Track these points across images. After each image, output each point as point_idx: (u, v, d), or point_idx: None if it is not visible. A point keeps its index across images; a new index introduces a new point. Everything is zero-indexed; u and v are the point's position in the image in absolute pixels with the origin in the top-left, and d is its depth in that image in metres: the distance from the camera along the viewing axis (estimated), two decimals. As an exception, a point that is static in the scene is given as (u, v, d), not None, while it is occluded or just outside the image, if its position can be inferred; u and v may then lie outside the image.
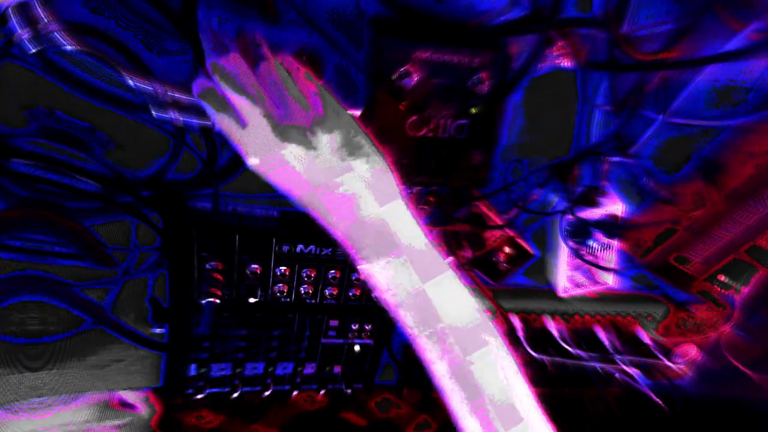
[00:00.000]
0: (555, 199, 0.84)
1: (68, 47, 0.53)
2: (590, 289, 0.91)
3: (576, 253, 0.85)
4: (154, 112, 0.58)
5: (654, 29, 0.70)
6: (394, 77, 0.65)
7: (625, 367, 0.96)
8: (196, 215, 0.70)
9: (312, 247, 0.75)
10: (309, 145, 0.48)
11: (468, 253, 0.83)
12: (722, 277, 0.92)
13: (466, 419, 0.49)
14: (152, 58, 0.59)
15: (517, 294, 0.93)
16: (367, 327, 0.86)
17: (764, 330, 0.94)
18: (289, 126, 0.47)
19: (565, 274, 0.89)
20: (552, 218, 0.87)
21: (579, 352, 0.94)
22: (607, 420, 1.07)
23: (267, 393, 0.85)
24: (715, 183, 0.84)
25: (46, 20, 0.50)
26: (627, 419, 1.04)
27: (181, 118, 0.58)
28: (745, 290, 0.91)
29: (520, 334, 0.91)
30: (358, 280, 0.80)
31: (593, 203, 0.83)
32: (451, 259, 0.83)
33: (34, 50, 0.52)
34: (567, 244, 0.85)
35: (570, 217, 0.82)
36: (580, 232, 0.85)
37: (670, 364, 1.00)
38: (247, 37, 0.51)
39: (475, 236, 0.82)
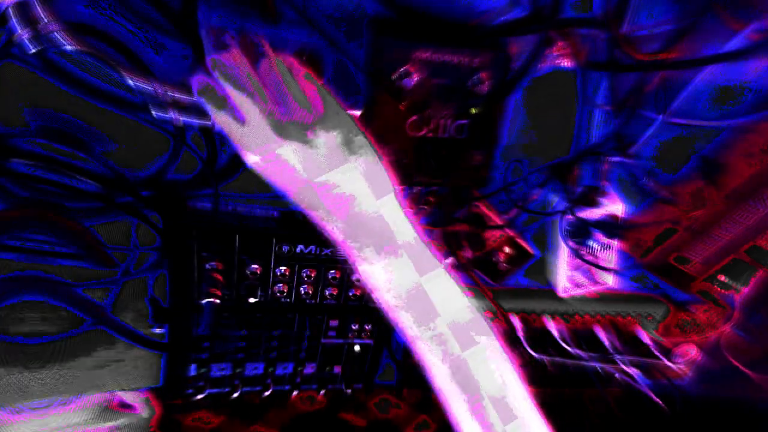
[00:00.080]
0: (555, 199, 0.84)
1: (68, 47, 0.52)
2: (590, 289, 0.91)
3: (576, 253, 0.85)
4: (154, 112, 0.58)
5: (654, 29, 0.70)
6: (394, 77, 0.65)
7: (625, 367, 0.96)
8: (196, 215, 0.70)
9: (312, 247, 0.75)
10: (308, 143, 0.48)
11: (468, 253, 0.83)
12: (722, 277, 0.92)
13: (463, 416, 0.49)
14: (152, 58, 0.59)
15: (517, 294, 0.93)
16: (367, 327, 0.86)
17: (764, 330, 0.94)
18: (290, 123, 0.48)
19: (565, 274, 0.89)
20: (552, 218, 0.87)
21: (579, 352, 0.94)
22: (607, 420, 1.07)
23: (267, 393, 0.85)
24: (715, 183, 0.84)
25: (46, 20, 0.50)
26: (627, 419, 1.04)
27: (181, 118, 0.58)
28: (745, 290, 0.91)
29: (520, 334, 0.91)
30: (358, 280, 0.80)
31: (593, 203, 0.83)
32: (451, 259, 0.83)
33: (34, 50, 0.52)
34: (567, 244, 0.85)
35: (570, 217, 0.82)
36: (580, 232, 0.85)
37: (670, 364, 1.00)
38: (248, 36, 0.51)
39: (475, 236, 0.82)
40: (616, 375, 0.98)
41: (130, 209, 0.68)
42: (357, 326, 0.85)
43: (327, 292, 0.80)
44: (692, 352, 1.04)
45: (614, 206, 0.85)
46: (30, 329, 0.73)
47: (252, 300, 0.76)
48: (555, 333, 0.94)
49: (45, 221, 0.65)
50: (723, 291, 0.93)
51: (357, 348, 0.87)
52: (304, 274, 0.77)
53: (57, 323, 0.74)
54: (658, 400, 0.98)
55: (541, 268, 0.91)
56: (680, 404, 0.99)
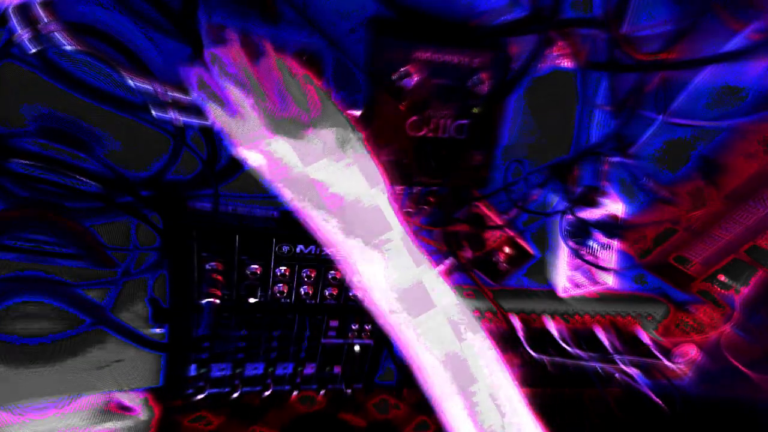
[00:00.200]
0: (555, 200, 0.84)
1: (68, 47, 0.52)
2: (590, 289, 0.91)
3: (576, 254, 0.85)
4: (154, 112, 0.58)
5: (654, 30, 0.70)
6: (394, 77, 0.65)
7: (625, 367, 0.96)
8: (196, 215, 0.70)
9: (312, 247, 0.75)
10: (302, 140, 0.48)
11: (468, 253, 0.83)
12: (722, 277, 0.92)
13: (456, 413, 0.49)
14: (152, 58, 0.59)
15: (517, 294, 0.93)
16: (367, 327, 0.86)
17: (764, 330, 0.94)
18: (285, 119, 0.48)
19: (565, 275, 0.89)
20: (552, 218, 0.87)
21: (579, 352, 0.94)
22: (607, 420, 1.07)
23: (267, 393, 0.85)
24: (715, 183, 0.84)
25: (46, 20, 0.50)
26: (627, 419, 1.04)
27: (181, 118, 0.58)
28: (744, 290, 0.91)
29: (520, 334, 0.91)
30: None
31: (593, 203, 0.83)
32: (451, 259, 0.83)
33: (34, 50, 0.52)
34: (567, 245, 0.85)
35: (570, 217, 0.82)
36: (580, 233, 0.85)
37: (670, 364, 1.00)
38: (249, 34, 0.51)
39: (475, 236, 0.82)
40: (616, 375, 0.98)
41: (130, 209, 0.68)
42: (357, 326, 0.85)
43: (327, 293, 0.80)
44: (692, 352, 1.04)
45: (614, 206, 0.85)
46: (30, 329, 0.73)
47: (252, 300, 0.76)
48: (555, 333, 0.94)
49: (45, 221, 0.65)
50: (723, 291, 0.93)
51: (357, 348, 0.87)
52: (304, 275, 0.77)
53: (57, 323, 0.74)
54: (658, 400, 0.98)
55: (541, 268, 0.91)
56: (680, 404, 0.99)
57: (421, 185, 0.75)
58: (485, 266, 0.86)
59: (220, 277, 0.73)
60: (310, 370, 0.87)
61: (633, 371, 0.97)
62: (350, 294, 0.81)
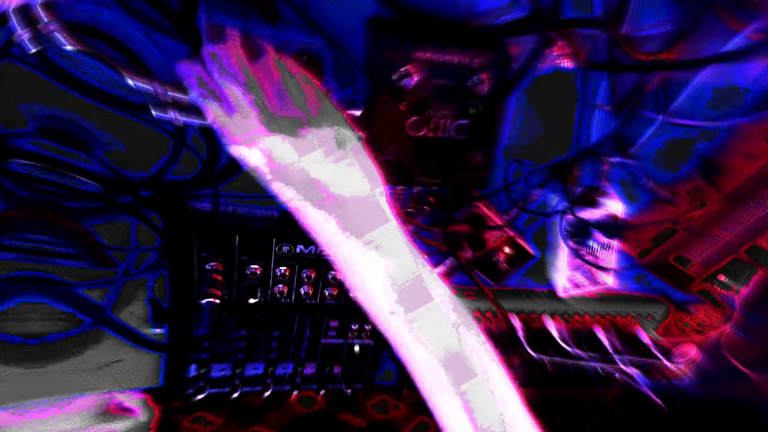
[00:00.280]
0: (555, 200, 0.84)
1: (68, 47, 0.52)
2: (590, 289, 0.91)
3: (576, 254, 0.85)
4: (154, 112, 0.58)
5: (654, 30, 0.70)
6: (394, 77, 0.65)
7: (625, 367, 0.96)
8: (196, 215, 0.70)
9: (312, 247, 0.75)
10: (301, 140, 0.48)
11: (468, 253, 0.83)
12: (722, 277, 0.92)
13: (452, 412, 0.49)
14: (152, 58, 0.59)
15: (517, 294, 0.93)
16: (367, 327, 0.86)
17: (764, 330, 0.94)
18: (282, 118, 0.48)
19: (565, 275, 0.89)
20: (552, 218, 0.87)
21: (579, 352, 0.94)
22: (607, 420, 1.07)
23: (267, 393, 0.85)
24: (714, 183, 0.84)
25: (46, 20, 0.50)
26: (627, 419, 1.04)
27: (181, 118, 0.58)
28: (744, 290, 0.91)
29: (520, 334, 0.91)
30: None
31: (593, 203, 0.83)
32: (451, 259, 0.83)
33: (34, 50, 0.52)
34: (567, 245, 0.85)
35: (570, 217, 0.82)
36: (580, 233, 0.85)
37: (670, 364, 1.00)
38: (248, 33, 0.51)
39: (475, 236, 0.82)
40: (616, 375, 0.98)
41: (130, 209, 0.68)
42: (357, 326, 0.85)
43: (327, 293, 0.80)
44: (692, 352, 1.04)
45: (614, 206, 0.85)
46: (30, 329, 0.73)
47: (252, 300, 0.76)
48: (555, 333, 0.94)
49: (45, 221, 0.65)
50: (723, 291, 0.93)
51: (357, 348, 0.87)
52: (304, 275, 0.77)
53: (57, 323, 0.74)
54: (658, 400, 0.98)
55: (541, 268, 0.91)
56: (680, 404, 0.99)
57: (421, 185, 0.75)
58: (485, 266, 0.86)
59: (220, 277, 0.73)
60: (310, 370, 0.87)
61: (633, 371, 0.97)
62: (350, 294, 0.81)
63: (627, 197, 0.87)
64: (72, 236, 0.68)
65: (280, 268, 0.75)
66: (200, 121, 0.59)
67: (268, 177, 0.49)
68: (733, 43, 0.66)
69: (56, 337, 0.74)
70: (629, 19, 0.68)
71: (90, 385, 0.80)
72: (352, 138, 0.51)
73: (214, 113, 0.50)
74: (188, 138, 0.67)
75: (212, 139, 0.67)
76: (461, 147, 0.72)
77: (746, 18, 0.64)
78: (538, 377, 0.97)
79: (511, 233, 0.84)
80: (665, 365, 0.99)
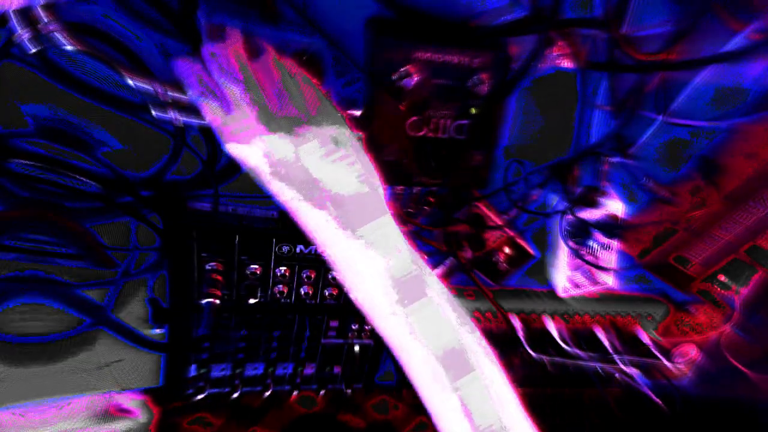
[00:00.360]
0: (555, 200, 0.84)
1: (68, 47, 0.52)
2: (590, 289, 0.91)
3: (576, 254, 0.85)
4: (154, 112, 0.58)
5: (654, 30, 0.70)
6: (394, 77, 0.65)
7: (625, 367, 0.96)
8: (196, 216, 0.70)
9: (312, 247, 0.75)
10: (300, 140, 0.48)
11: (468, 253, 0.83)
12: (722, 278, 0.92)
13: (449, 410, 0.49)
14: (152, 58, 0.59)
15: (517, 294, 0.93)
16: (367, 327, 0.86)
17: (764, 330, 0.94)
18: (281, 117, 0.48)
19: (565, 275, 0.89)
20: (552, 219, 0.87)
21: (579, 352, 0.94)
22: (607, 420, 1.07)
23: (267, 393, 0.85)
24: (714, 183, 0.84)
25: (46, 20, 0.50)
26: (627, 419, 1.04)
27: (181, 118, 0.58)
28: (744, 290, 0.91)
29: (520, 334, 0.91)
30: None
31: (593, 203, 0.83)
32: (451, 259, 0.83)
33: (34, 50, 0.52)
34: (567, 245, 0.85)
35: (570, 217, 0.82)
36: (580, 233, 0.85)
37: (670, 364, 1.00)
38: (248, 33, 0.51)
39: (475, 236, 0.82)
40: (616, 375, 0.98)
41: (129, 210, 0.68)
42: (357, 326, 0.85)
43: (327, 293, 0.80)
44: (692, 352, 1.04)
45: (614, 206, 0.85)
46: (30, 329, 0.73)
47: (252, 300, 0.76)
48: (555, 333, 0.94)
49: (45, 221, 0.65)
50: (723, 291, 0.93)
51: (357, 348, 0.87)
52: (304, 275, 0.77)
53: (57, 323, 0.74)
54: (658, 400, 0.98)
55: (541, 268, 0.91)
56: (680, 404, 0.99)
57: (421, 185, 0.75)
58: (485, 266, 0.86)
59: (220, 278, 0.73)
60: (310, 370, 0.87)
61: (633, 371, 0.97)
62: (349, 294, 0.81)
63: (627, 197, 0.87)
64: (72, 236, 0.68)
65: (280, 268, 0.75)
66: (200, 121, 0.59)
67: (266, 176, 0.49)
68: (733, 43, 0.66)
69: (56, 337, 0.74)
70: (629, 19, 0.68)
71: (90, 385, 0.80)
72: (350, 138, 0.51)
73: (212, 112, 0.50)
74: (188, 138, 0.67)
75: (212, 139, 0.67)
76: (461, 147, 0.72)
77: (746, 18, 0.65)
78: (538, 377, 0.97)
79: (511, 233, 0.84)
80: (665, 365, 0.99)
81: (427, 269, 0.51)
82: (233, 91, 0.48)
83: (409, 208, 0.78)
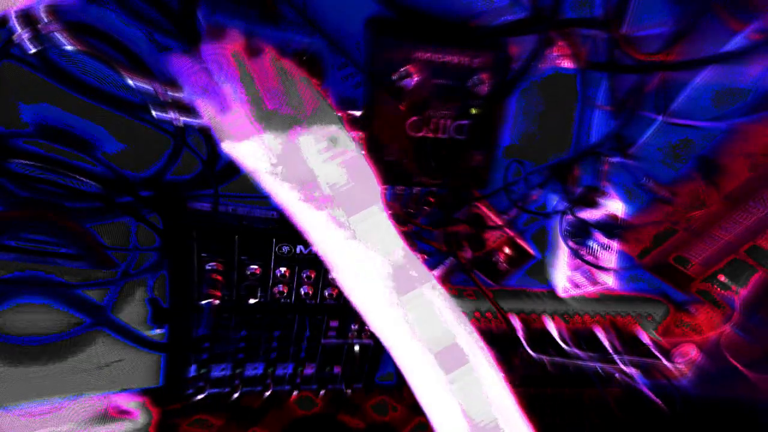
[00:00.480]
0: (555, 200, 0.84)
1: (68, 47, 0.52)
2: (590, 289, 0.91)
3: (576, 254, 0.85)
4: (154, 112, 0.58)
5: (654, 30, 0.70)
6: (394, 77, 0.65)
7: (625, 367, 0.96)
8: (195, 216, 0.70)
9: (312, 247, 0.75)
10: (298, 139, 0.48)
11: (468, 254, 0.83)
12: (722, 278, 0.92)
13: (442, 403, 0.49)
14: (152, 58, 0.59)
15: (517, 294, 0.93)
16: (367, 327, 0.86)
17: (764, 330, 0.94)
18: (279, 117, 0.48)
19: (565, 275, 0.89)
20: (552, 219, 0.87)
21: (579, 352, 0.94)
22: (607, 420, 1.07)
23: (267, 393, 0.85)
24: (714, 184, 0.84)
25: (46, 20, 0.50)
26: (627, 419, 1.04)
27: (181, 118, 0.58)
28: (744, 290, 0.91)
29: (520, 334, 0.91)
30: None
31: (593, 204, 0.83)
32: (451, 259, 0.83)
33: (34, 50, 0.52)
34: (567, 245, 0.85)
35: (570, 217, 0.82)
36: (580, 233, 0.85)
37: (669, 364, 1.00)
38: (248, 33, 0.51)
39: (475, 236, 0.82)
40: (616, 375, 0.98)
41: (129, 210, 0.68)
42: (357, 326, 0.85)
43: (327, 293, 0.80)
44: (692, 352, 1.04)
45: (614, 206, 0.85)
46: (30, 329, 0.73)
47: (252, 301, 0.76)
48: (555, 333, 0.94)
49: (45, 221, 0.65)
50: (723, 291, 0.93)
51: (357, 348, 0.87)
52: (304, 275, 0.77)
53: (56, 323, 0.74)
54: (658, 400, 0.98)
55: (541, 268, 0.91)
56: (680, 404, 0.99)
57: (421, 185, 0.75)
58: (485, 266, 0.86)
59: (220, 278, 0.73)
60: (310, 370, 0.87)
61: (633, 371, 0.97)
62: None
63: (627, 197, 0.87)
64: (72, 236, 0.68)
65: (280, 268, 0.75)
66: (200, 121, 0.59)
67: (263, 176, 0.49)
68: (733, 43, 0.66)
69: (56, 337, 0.74)
70: (629, 19, 0.68)
71: (90, 385, 0.80)
72: (347, 137, 0.51)
73: (209, 111, 0.49)
74: (188, 138, 0.67)
75: (212, 139, 0.67)
76: (461, 147, 0.72)
77: (746, 18, 0.65)
78: (539, 377, 0.97)
79: (511, 233, 0.84)
80: (665, 365, 0.99)
81: (419, 263, 0.51)
82: (231, 90, 0.48)
83: (409, 208, 0.78)
